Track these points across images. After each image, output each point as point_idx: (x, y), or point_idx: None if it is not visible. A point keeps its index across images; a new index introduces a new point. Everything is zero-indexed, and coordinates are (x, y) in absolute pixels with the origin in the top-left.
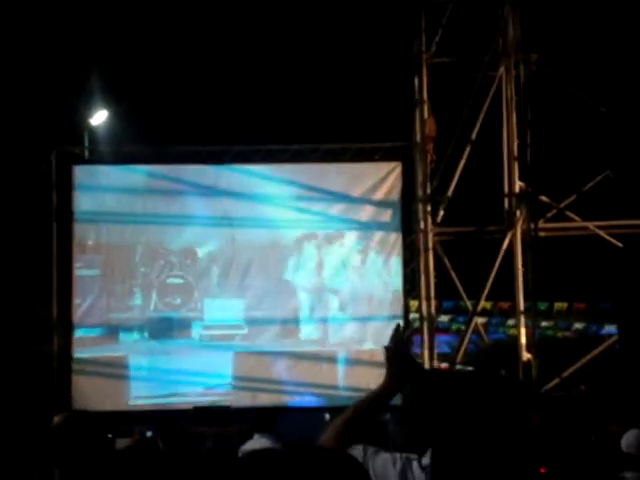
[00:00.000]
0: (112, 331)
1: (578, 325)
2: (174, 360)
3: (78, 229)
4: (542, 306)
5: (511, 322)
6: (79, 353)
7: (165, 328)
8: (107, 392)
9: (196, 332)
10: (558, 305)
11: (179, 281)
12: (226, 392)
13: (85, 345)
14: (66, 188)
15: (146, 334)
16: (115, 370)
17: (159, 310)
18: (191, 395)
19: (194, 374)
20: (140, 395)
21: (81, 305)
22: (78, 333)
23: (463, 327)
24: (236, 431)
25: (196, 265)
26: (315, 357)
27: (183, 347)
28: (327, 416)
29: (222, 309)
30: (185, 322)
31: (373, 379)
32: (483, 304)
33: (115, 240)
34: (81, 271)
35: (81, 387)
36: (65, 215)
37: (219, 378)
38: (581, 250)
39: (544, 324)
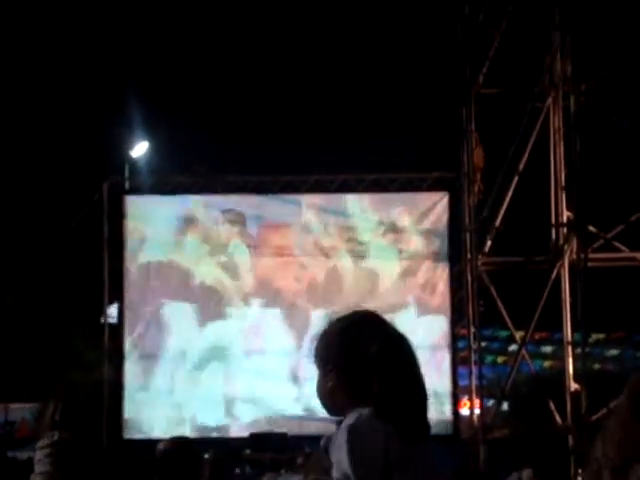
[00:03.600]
0: None
1: (614, 351)
2: None
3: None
4: (577, 337)
5: (547, 350)
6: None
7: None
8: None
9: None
10: (595, 336)
11: None
12: None
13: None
14: (117, 217)
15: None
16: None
17: None
18: None
19: None
20: None
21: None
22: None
23: (499, 359)
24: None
25: None
26: None
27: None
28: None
29: None
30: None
31: None
32: (514, 333)
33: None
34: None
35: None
36: (116, 243)
37: None
38: (620, 280)
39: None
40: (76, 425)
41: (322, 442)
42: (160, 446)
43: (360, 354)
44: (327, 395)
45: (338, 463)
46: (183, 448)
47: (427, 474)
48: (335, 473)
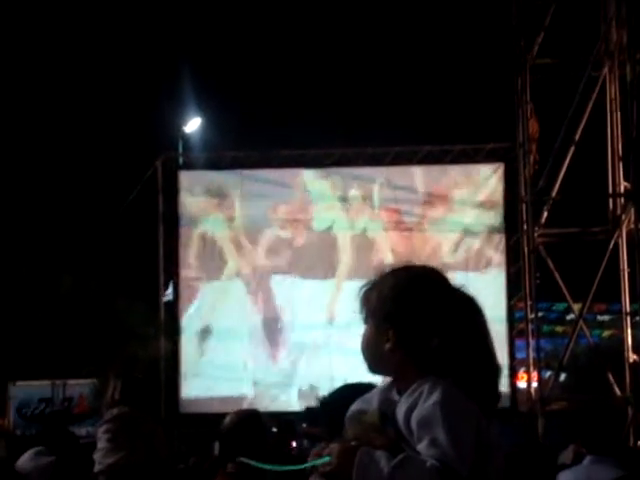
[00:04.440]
0: None
1: None
2: None
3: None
4: (635, 307)
5: (605, 319)
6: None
7: None
8: None
9: None
10: None
11: None
12: None
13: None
14: (172, 192)
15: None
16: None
17: None
18: None
19: None
20: None
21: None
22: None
23: (558, 329)
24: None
25: None
26: None
27: None
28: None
29: None
30: None
31: None
32: (571, 305)
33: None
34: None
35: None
36: (171, 219)
37: None
38: None
39: None
40: (135, 401)
41: (378, 403)
42: (227, 419)
43: (429, 315)
44: (381, 356)
45: (433, 441)
46: (252, 421)
47: (498, 448)
48: (428, 451)
